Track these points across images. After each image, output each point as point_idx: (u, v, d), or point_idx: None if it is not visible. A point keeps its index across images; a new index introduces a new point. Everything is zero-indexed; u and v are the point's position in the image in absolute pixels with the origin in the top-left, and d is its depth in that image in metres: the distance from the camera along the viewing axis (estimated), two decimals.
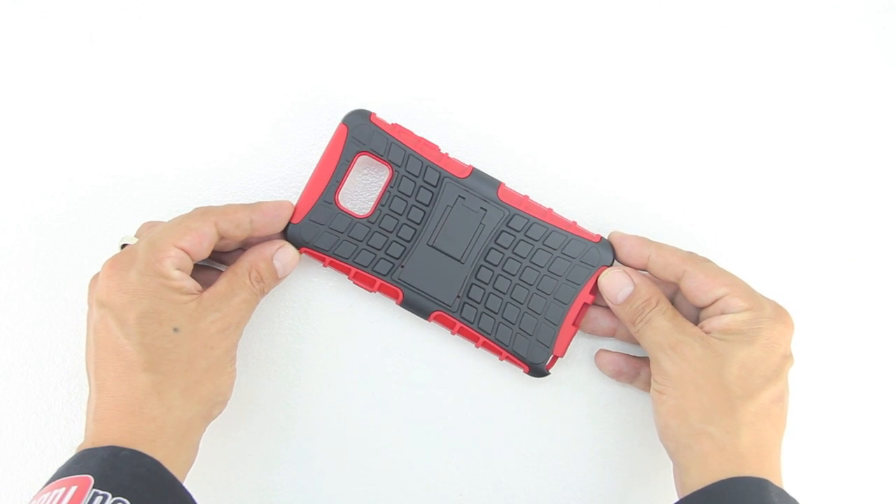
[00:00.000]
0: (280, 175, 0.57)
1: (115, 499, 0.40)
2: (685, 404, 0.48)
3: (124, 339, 0.46)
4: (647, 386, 0.55)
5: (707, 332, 0.50)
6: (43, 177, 0.56)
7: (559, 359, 0.55)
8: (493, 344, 0.55)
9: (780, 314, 0.49)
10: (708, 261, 0.52)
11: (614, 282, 0.52)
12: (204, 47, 0.57)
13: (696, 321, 0.53)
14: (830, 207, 0.60)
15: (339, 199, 0.54)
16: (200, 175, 0.57)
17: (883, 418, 0.60)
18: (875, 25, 0.61)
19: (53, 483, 0.42)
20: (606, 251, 0.54)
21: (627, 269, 0.53)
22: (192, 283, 0.48)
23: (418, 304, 0.54)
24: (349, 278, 0.54)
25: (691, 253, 0.52)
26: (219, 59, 0.57)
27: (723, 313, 0.50)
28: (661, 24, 0.60)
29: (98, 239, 0.56)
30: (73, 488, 0.41)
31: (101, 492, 0.40)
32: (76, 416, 0.56)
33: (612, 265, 0.54)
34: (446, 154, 0.53)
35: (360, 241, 0.54)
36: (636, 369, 0.56)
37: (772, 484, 0.46)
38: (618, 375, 0.56)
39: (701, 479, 0.47)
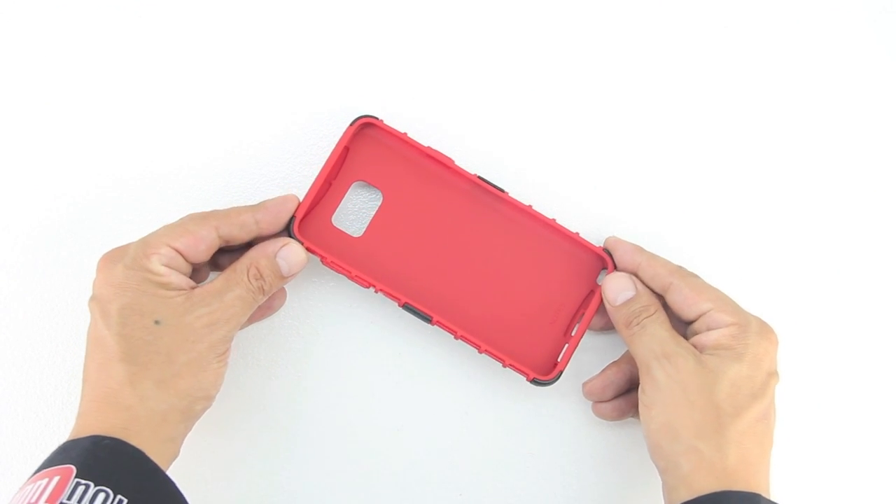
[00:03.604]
0: (280, 175, 0.57)
1: (98, 488, 0.40)
2: (675, 421, 0.47)
3: (105, 330, 0.46)
4: None
5: (699, 350, 0.49)
6: (43, 177, 0.57)
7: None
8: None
9: (765, 330, 0.49)
10: (695, 276, 0.52)
11: (616, 284, 0.53)
12: (204, 48, 0.58)
13: (684, 337, 0.53)
14: (830, 216, 0.60)
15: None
16: (201, 175, 0.57)
17: (867, 431, 0.60)
18: (875, 26, 0.60)
19: (37, 474, 0.42)
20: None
21: (632, 275, 0.53)
22: (180, 279, 0.48)
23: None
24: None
25: (680, 267, 0.52)
26: (219, 59, 0.58)
27: (709, 329, 0.50)
28: (666, 31, 0.59)
29: (98, 239, 0.56)
30: (56, 478, 0.41)
31: (83, 481, 0.40)
32: (76, 416, 0.56)
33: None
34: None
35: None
36: (634, 403, 0.55)
37: (764, 498, 0.46)
38: (622, 416, 0.55)
39: (689, 496, 0.46)
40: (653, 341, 0.50)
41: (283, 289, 0.56)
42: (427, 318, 0.54)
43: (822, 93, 0.60)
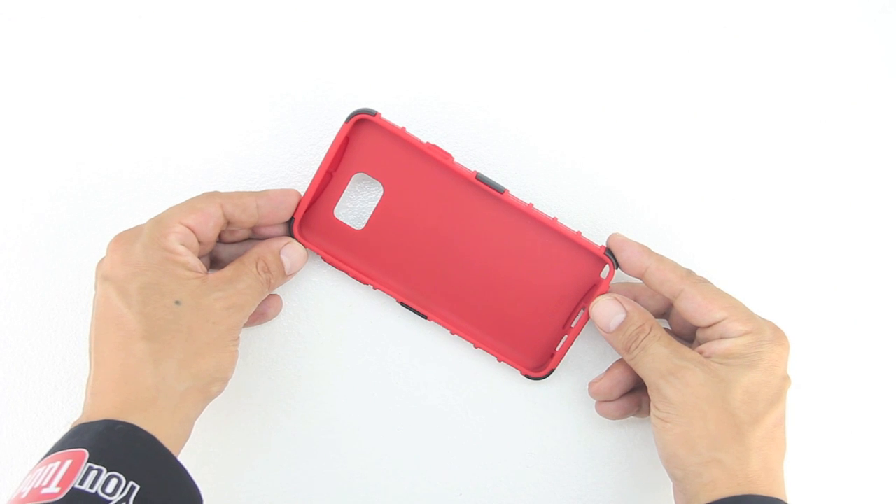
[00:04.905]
0: (280, 175, 0.57)
1: (110, 473, 0.40)
2: (692, 432, 0.47)
3: (125, 309, 0.46)
4: (648, 414, 0.55)
5: (707, 357, 0.49)
6: (43, 176, 0.57)
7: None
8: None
9: (778, 336, 0.49)
10: (706, 281, 0.51)
11: (605, 310, 0.52)
12: (204, 47, 0.58)
13: (690, 338, 0.53)
14: (828, 215, 0.60)
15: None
16: (200, 175, 0.57)
17: (877, 435, 0.60)
18: (875, 26, 0.61)
19: (49, 457, 0.41)
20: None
21: (618, 296, 0.52)
22: (196, 262, 0.49)
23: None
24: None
25: (690, 272, 0.51)
26: (218, 59, 0.58)
27: (722, 337, 0.49)
28: (668, 30, 0.60)
29: (98, 239, 0.56)
30: (68, 462, 0.40)
31: (95, 466, 0.40)
32: (76, 416, 0.55)
33: (613, 275, 0.53)
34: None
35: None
36: (638, 402, 0.55)
37: (783, 503, 0.46)
38: (626, 415, 0.55)
39: (709, 500, 0.46)
40: (656, 361, 0.49)
41: (278, 297, 0.56)
42: (423, 316, 0.55)
43: (823, 92, 0.60)
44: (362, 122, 0.53)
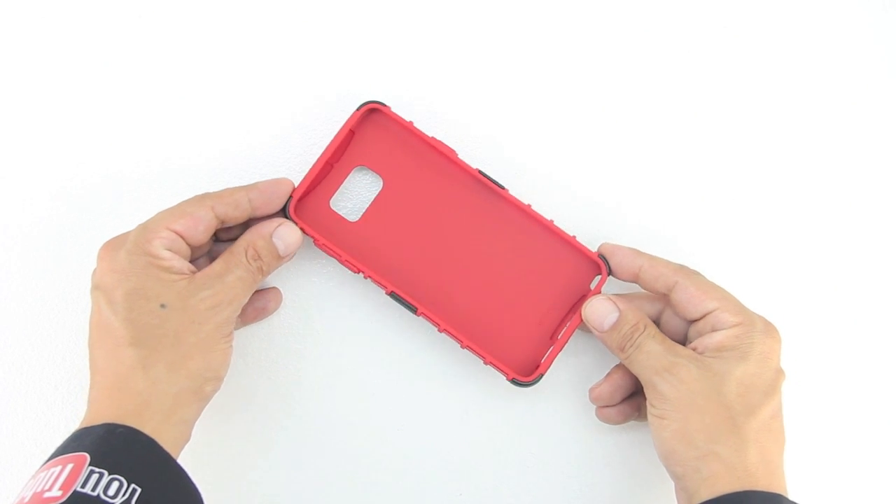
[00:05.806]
0: (280, 175, 0.57)
1: (112, 476, 0.40)
2: (688, 427, 0.47)
3: (112, 317, 0.46)
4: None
5: (700, 353, 0.49)
6: (44, 176, 0.57)
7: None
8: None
9: (769, 329, 0.49)
10: (699, 274, 0.51)
11: (599, 310, 0.52)
12: (204, 48, 0.58)
13: (684, 339, 0.53)
14: (830, 213, 0.60)
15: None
16: (201, 175, 0.57)
17: (872, 429, 0.60)
18: (875, 26, 0.61)
19: (50, 462, 0.42)
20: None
21: (611, 296, 0.53)
22: (182, 264, 0.48)
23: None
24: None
25: (683, 265, 0.52)
26: (219, 59, 0.58)
27: (713, 330, 0.49)
28: (668, 30, 0.60)
29: (98, 239, 0.55)
30: (70, 466, 0.40)
31: (97, 469, 0.40)
32: (76, 416, 0.55)
33: (605, 280, 0.54)
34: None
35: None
36: (638, 406, 0.55)
37: (786, 499, 0.46)
38: (627, 419, 0.55)
39: (710, 496, 0.46)
40: (650, 358, 0.49)
41: (278, 291, 0.56)
42: (412, 309, 0.53)
43: (823, 92, 0.61)
44: (370, 114, 0.54)
